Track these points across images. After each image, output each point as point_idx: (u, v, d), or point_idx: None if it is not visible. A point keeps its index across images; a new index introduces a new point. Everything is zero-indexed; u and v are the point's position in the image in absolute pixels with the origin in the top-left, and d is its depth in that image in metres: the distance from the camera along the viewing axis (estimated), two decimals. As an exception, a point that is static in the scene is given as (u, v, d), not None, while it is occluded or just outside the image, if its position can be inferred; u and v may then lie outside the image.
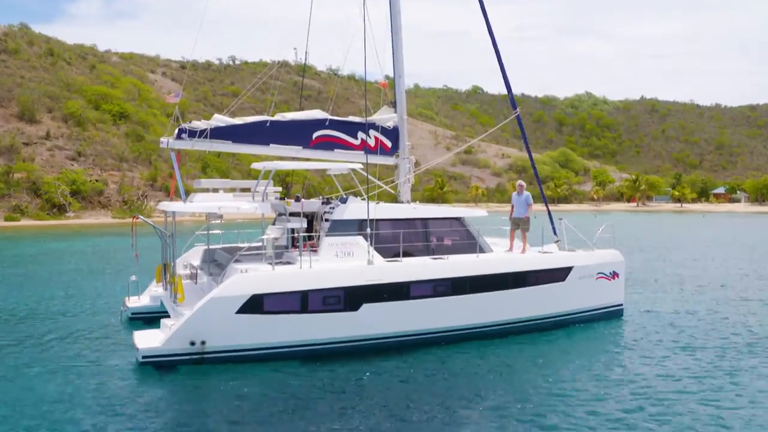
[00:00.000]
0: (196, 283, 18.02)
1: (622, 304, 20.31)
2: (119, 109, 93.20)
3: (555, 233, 20.64)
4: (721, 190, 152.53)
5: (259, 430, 11.24)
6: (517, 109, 21.18)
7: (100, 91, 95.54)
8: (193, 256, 19.90)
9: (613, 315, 19.89)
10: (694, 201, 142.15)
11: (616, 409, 12.24)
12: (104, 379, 13.72)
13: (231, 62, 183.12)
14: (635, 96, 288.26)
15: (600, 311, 19.57)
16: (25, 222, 65.14)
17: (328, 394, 13.06)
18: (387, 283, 15.68)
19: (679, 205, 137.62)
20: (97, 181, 76.26)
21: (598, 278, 19.28)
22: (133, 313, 19.00)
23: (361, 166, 17.98)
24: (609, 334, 18.36)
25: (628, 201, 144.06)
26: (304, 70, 27.01)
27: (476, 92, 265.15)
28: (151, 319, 17.52)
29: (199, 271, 18.58)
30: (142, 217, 18.43)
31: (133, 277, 19.73)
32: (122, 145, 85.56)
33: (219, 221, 18.90)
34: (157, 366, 14.26)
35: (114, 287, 24.81)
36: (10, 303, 22.45)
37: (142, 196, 76.52)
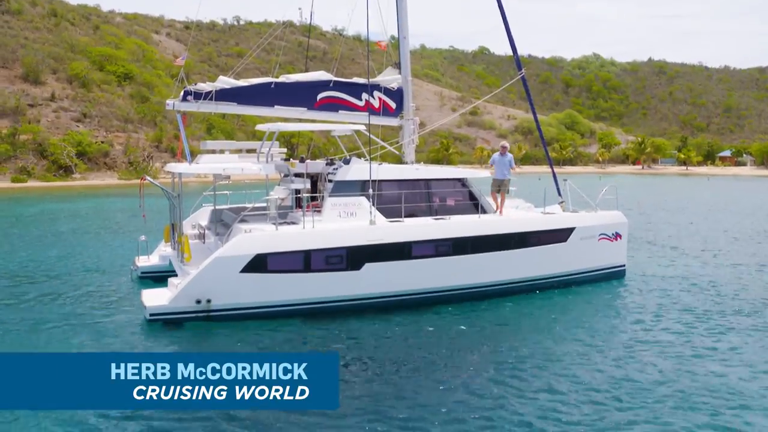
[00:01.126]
0: (204, 242, 18.35)
1: (624, 265, 20.57)
2: (124, 71, 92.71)
3: (560, 194, 20.86)
4: (727, 153, 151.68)
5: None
6: (522, 71, 21.23)
7: (104, 52, 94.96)
8: (202, 216, 20.21)
9: (615, 276, 20.16)
10: (699, 164, 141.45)
11: (612, 367, 12.52)
12: (113, 335, 14.18)
13: (236, 22, 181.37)
14: (643, 58, 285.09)
15: (602, 272, 19.84)
16: (32, 183, 65.51)
17: (329, 345, 13.64)
18: (388, 243, 15.97)
19: (684, 168, 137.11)
20: (102, 142, 76.36)
21: (600, 239, 19.50)
22: (142, 272, 19.42)
23: (364, 128, 18.15)
24: (609, 295, 18.64)
25: (634, 163, 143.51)
26: (309, 30, 27.00)
27: (483, 53, 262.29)
28: (160, 278, 17.89)
29: (206, 231, 18.90)
30: (149, 178, 18.69)
31: (143, 237, 20.14)
32: (127, 106, 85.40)
33: (227, 182, 19.18)
34: (165, 323, 14.68)
35: (123, 247, 25.20)
36: (22, 262, 22.93)
37: (147, 157, 76.66)
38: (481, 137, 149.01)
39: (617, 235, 19.97)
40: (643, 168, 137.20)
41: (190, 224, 19.72)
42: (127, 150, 76.81)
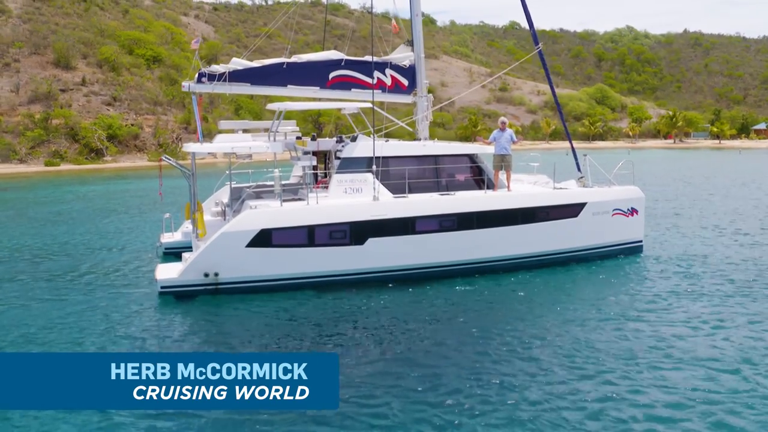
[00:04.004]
0: (224, 219, 18.90)
1: (641, 241, 20.39)
2: (152, 54, 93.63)
3: (579, 170, 20.75)
4: (762, 125, 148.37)
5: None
6: (539, 45, 21.23)
7: (133, 36, 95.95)
8: (224, 194, 20.82)
9: (631, 251, 20.03)
10: (733, 137, 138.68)
11: (609, 342, 12.59)
12: (128, 305, 15.00)
13: (264, 2, 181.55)
14: (678, 29, 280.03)
15: (617, 247, 19.74)
16: (64, 167, 66.81)
17: (333, 320, 14.03)
18: (392, 219, 16.28)
19: (717, 141, 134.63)
20: (132, 125, 77.45)
21: (614, 215, 19.39)
22: (166, 248, 20.13)
23: (370, 105, 18.43)
24: (621, 271, 18.43)
25: (665, 137, 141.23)
26: (326, 8, 27.20)
27: (513, 28, 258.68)
28: (183, 253, 18.55)
29: (226, 208, 19.48)
30: (166, 158, 19.27)
31: (167, 215, 20.94)
32: (156, 89, 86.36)
33: (249, 160, 19.74)
34: (176, 296, 15.38)
35: (151, 225, 26.11)
36: (56, 239, 23.98)
37: (176, 139, 77.63)
38: (511, 113, 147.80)
39: (633, 211, 19.83)
40: (674, 142, 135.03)
41: (214, 202, 20.39)
42: (156, 132, 77.82)
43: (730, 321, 13.66)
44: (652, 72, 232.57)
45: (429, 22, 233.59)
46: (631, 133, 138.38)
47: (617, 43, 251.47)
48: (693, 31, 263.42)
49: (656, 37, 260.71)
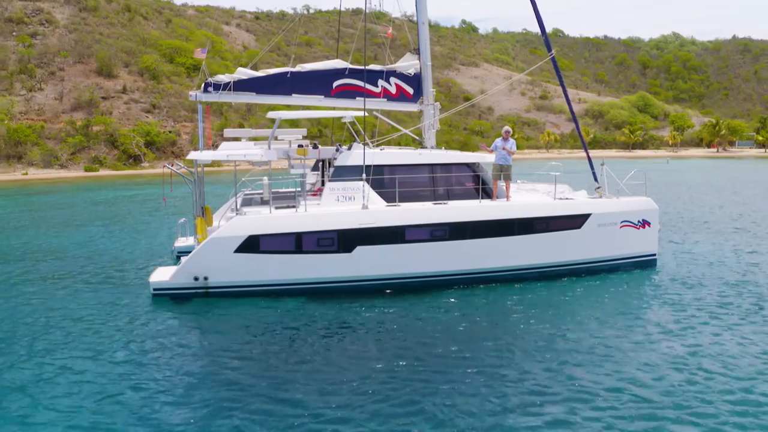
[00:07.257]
0: None
1: (654, 254, 19.81)
2: (193, 62, 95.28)
3: (596, 179, 20.30)
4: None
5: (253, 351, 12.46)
6: (552, 51, 21.14)
7: (174, 45, 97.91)
8: (239, 200, 21.20)
9: (643, 265, 19.46)
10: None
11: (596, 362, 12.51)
12: (130, 304, 15.79)
13: (305, 11, 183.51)
14: (726, 35, 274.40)
15: (626, 261, 19.22)
16: (103, 172, 68.42)
17: (318, 326, 14.16)
18: (381, 227, 16.29)
19: (763, 150, 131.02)
20: (170, 132, 78.97)
21: (622, 227, 18.89)
22: (179, 252, 20.62)
23: (368, 114, 18.53)
24: (626, 285, 17.90)
25: (708, 146, 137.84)
26: (339, 14, 27.41)
27: (556, 35, 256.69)
28: (182, 257, 18.90)
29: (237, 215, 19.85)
30: (167, 165, 19.72)
31: (182, 219, 21.48)
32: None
33: (265, 167, 20.05)
34: (171, 297, 15.93)
35: (172, 229, 26.80)
36: (79, 241, 25.03)
37: (212, 146, 78.63)
38: (551, 121, 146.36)
39: (645, 223, 19.22)
40: (717, 151, 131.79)
41: (230, 208, 20.72)
42: (193, 139, 79.04)
43: (740, 343, 13.04)
44: (699, 79, 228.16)
45: (471, 29, 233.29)
46: (671, 142, 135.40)
47: (663, 50, 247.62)
48: (742, 37, 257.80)
49: (703, 44, 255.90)
